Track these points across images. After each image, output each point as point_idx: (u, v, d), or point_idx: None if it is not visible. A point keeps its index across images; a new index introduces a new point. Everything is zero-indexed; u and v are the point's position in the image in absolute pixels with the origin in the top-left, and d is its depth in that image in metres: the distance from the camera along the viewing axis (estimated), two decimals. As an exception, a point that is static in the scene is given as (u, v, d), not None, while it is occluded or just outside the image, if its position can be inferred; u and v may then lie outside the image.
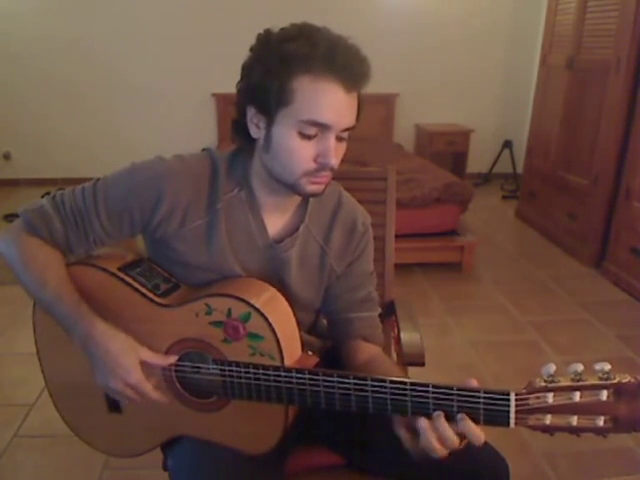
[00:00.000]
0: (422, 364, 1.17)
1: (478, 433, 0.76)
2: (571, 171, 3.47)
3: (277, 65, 0.81)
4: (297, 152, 0.85)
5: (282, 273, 0.99)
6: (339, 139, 0.87)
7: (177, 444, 0.97)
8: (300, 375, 0.84)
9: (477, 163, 4.83)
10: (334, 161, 0.85)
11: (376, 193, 1.37)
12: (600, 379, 0.71)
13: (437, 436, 0.77)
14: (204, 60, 4.44)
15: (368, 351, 1.05)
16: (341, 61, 0.80)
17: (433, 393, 0.77)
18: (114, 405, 0.99)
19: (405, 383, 0.78)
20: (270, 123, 0.86)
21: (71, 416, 1.05)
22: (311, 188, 0.89)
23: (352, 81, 0.83)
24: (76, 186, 0.95)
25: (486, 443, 0.96)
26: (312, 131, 0.83)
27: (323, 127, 0.83)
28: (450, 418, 0.77)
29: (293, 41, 0.81)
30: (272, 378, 0.85)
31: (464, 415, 0.76)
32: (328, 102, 0.82)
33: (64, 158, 4.69)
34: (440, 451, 0.77)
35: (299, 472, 1.04)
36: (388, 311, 1.37)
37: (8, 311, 2.58)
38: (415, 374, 1.15)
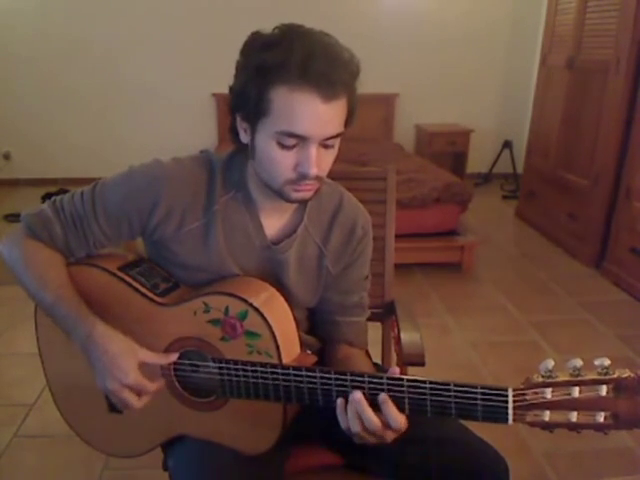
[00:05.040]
0: (422, 364, 1.17)
1: (400, 419, 0.78)
2: (571, 171, 3.47)
3: (254, 75, 0.80)
4: (277, 161, 0.84)
5: (280, 274, 0.99)
6: (325, 147, 0.84)
7: (177, 444, 0.97)
8: (297, 373, 0.84)
9: (477, 163, 4.83)
10: (314, 171, 0.83)
11: (376, 193, 1.36)
12: (599, 374, 0.71)
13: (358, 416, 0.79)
14: (204, 60, 4.43)
15: (346, 351, 1.06)
16: (316, 70, 0.77)
17: (430, 389, 0.77)
18: (115, 405, 0.99)
19: (402, 380, 0.79)
20: (253, 131, 0.85)
21: (72, 416, 1.05)
22: (296, 195, 0.88)
23: (330, 90, 0.78)
24: (76, 190, 0.95)
25: (486, 443, 0.97)
26: (290, 142, 0.82)
27: (301, 138, 0.81)
28: (447, 415, 0.77)
29: (270, 49, 0.78)
30: (269, 376, 0.85)
31: (387, 397, 0.78)
32: (304, 113, 0.79)
33: (64, 158, 4.68)
34: (359, 432, 0.79)
35: (299, 472, 1.04)
36: (388, 311, 1.38)
37: (8, 311, 2.58)
38: (415, 374, 1.15)
